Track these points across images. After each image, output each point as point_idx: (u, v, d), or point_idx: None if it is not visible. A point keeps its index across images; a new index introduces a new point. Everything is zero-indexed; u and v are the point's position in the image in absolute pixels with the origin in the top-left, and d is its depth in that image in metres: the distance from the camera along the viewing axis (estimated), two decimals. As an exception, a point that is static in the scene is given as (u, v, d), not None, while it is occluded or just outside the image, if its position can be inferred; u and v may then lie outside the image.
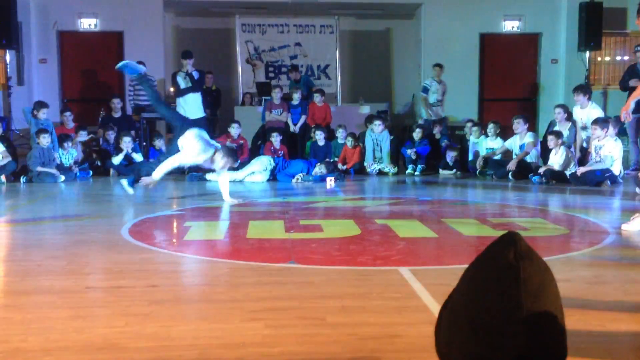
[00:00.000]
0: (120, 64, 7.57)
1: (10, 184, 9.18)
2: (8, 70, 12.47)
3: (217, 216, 6.35)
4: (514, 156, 9.73)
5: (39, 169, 9.29)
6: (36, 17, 12.69)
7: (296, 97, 11.44)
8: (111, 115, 11.38)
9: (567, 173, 8.90)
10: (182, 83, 10.18)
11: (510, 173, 9.48)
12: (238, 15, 13.65)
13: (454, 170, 10.38)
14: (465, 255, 4.29)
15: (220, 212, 6.55)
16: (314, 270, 3.84)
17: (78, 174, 9.79)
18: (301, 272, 3.82)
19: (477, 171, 9.98)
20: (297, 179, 9.33)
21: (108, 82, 13.28)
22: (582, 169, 8.64)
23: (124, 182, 7.32)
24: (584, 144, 9.42)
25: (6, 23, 11.66)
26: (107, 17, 12.89)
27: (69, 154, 9.99)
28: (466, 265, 1.51)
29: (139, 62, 11.90)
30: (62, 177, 9.37)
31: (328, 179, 8.95)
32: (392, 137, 10.99)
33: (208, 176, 9.30)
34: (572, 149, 9.48)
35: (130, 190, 7.25)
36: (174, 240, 5.05)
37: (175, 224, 5.87)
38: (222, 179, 7.03)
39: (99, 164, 10.59)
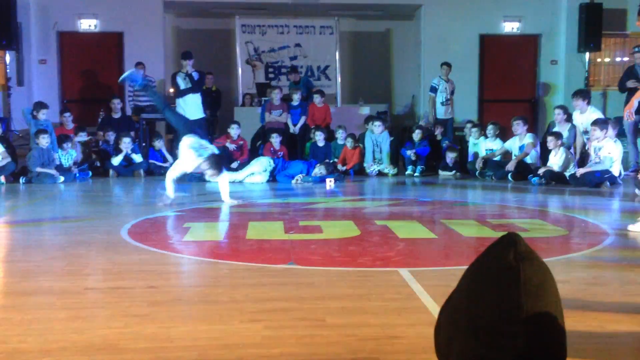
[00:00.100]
0: (122, 77, 7.56)
1: (10, 184, 9.17)
2: (8, 70, 12.46)
3: (217, 217, 6.34)
4: (514, 157, 9.73)
5: (39, 169, 9.28)
6: (36, 18, 12.68)
7: (296, 98, 11.43)
8: (111, 115, 11.37)
9: (567, 174, 8.89)
10: (182, 84, 10.19)
11: (509, 174, 9.48)
12: (238, 16, 13.65)
13: (454, 171, 10.38)
14: (465, 256, 4.30)
15: (219, 213, 6.55)
16: (313, 272, 3.84)
17: (77, 174, 9.78)
18: (301, 273, 3.82)
19: (477, 172, 9.98)
20: (297, 179, 9.33)
21: (108, 82, 13.27)
22: (582, 170, 8.64)
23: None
24: (586, 147, 9.40)
25: (6, 24, 11.66)
26: (107, 18, 12.89)
27: (69, 155, 9.98)
28: (466, 267, 1.51)
29: (138, 63, 12.00)
30: (62, 178, 9.36)
31: (328, 179, 8.94)
32: (392, 138, 10.99)
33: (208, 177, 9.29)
34: (572, 150, 9.48)
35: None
36: (174, 241, 5.05)
37: (174, 225, 5.86)
38: (221, 180, 7.02)
39: (99, 164, 10.59)
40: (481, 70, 13.58)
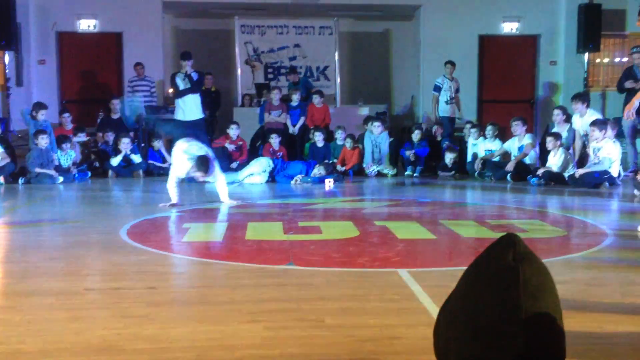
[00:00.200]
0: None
1: (9, 185, 9.16)
2: (7, 71, 12.45)
3: (216, 218, 6.34)
4: (513, 158, 9.74)
5: (38, 170, 9.28)
6: (35, 18, 12.67)
7: (295, 99, 11.44)
8: (110, 116, 11.37)
9: (566, 175, 8.90)
10: (181, 84, 10.18)
11: (508, 174, 9.48)
12: (237, 16, 13.65)
13: (453, 172, 10.38)
14: (464, 257, 4.29)
15: (218, 213, 6.55)
16: (312, 272, 3.84)
17: (76, 175, 9.77)
18: (300, 273, 3.82)
19: (476, 173, 9.98)
20: (296, 180, 9.33)
21: (107, 83, 13.27)
22: (581, 171, 8.64)
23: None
24: (586, 150, 9.38)
25: (5, 24, 11.66)
26: (106, 18, 12.88)
27: (68, 155, 9.98)
28: (465, 267, 1.51)
29: (137, 64, 12.00)
30: (61, 179, 9.36)
31: (327, 180, 8.94)
32: (391, 139, 10.98)
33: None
34: (571, 151, 9.48)
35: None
36: (173, 242, 5.05)
37: (174, 226, 5.86)
38: (218, 182, 7.02)
39: (98, 165, 10.58)
40: (480, 70, 13.58)
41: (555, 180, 8.92)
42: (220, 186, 7.02)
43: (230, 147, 10.47)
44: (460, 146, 10.86)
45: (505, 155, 9.99)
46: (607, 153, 8.51)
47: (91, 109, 12.51)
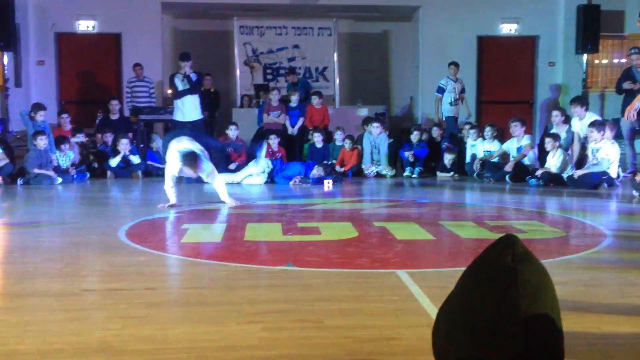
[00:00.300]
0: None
1: (7, 186, 9.16)
2: (6, 72, 12.44)
3: (215, 218, 6.34)
4: (511, 159, 9.74)
5: (36, 171, 9.27)
6: (34, 19, 12.67)
7: (294, 100, 11.44)
8: (108, 117, 11.36)
9: (564, 176, 8.90)
10: (180, 85, 10.18)
11: (507, 175, 9.48)
12: (236, 17, 13.65)
13: (452, 173, 10.38)
14: (463, 257, 4.30)
15: (217, 214, 6.55)
16: (311, 273, 3.84)
17: (75, 176, 9.77)
18: (299, 274, 3.82)
19: (475, 174, 9.98)
20: (295, 181, 9.33)
21: (106, 84, 13.27)
22: (579, 172, 8.65)
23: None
24: (585, 152, 9.38)
25: (4, 25, 11.65)
26: (105, 19, 12.88)
27: (66, 156, 9.97)
28: (464, 268, 1.51)
29: (136, 65, 11.99)
30: (59, 179, 9.35)
31: (326, 181, 8.94)
32: (391, 140, 10.98)
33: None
34: (570, 152, 9.49)
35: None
36: (172, 243, 5.05)
37: (172, 227, 5.86)
38: (216, 182, 7.02)
39: (96, 166, 10.57)
40: (479, 71, 13.59)
41: (554, 181, 8.93)
42: (219, 186, 7.02)
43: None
44: (459, 147, 10.86)
45: (504, 156, 9.99)
46: (606, 154, 8.52)
47: (90, 110, 12.51)
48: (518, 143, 9.88)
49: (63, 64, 13.11)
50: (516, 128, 9.94)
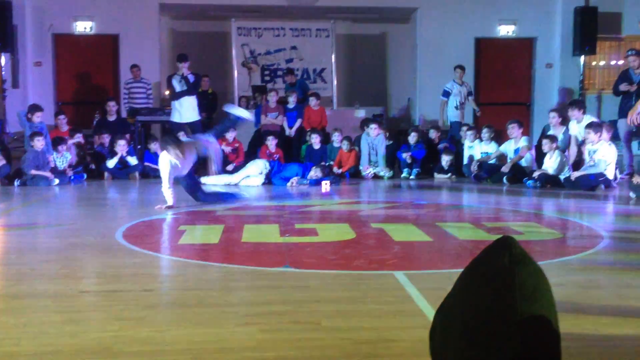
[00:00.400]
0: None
1: (4, 187, 9.15)
2: (3, 73, 12.44)
3: (212, 220, 6.33)
4: (509, 160, 9.75)
5: (33, 172, 9.26)
6: (32, 20, 12.65)
7: (291, 101, 11.44)
8: (106, 118, 11.35)
9: (562, 177, 8.92)
10: (178, 86, 10.18)
11: (504, 177, 9.49)
12: (234, 18, 13.66)
13: (449, 174, 10.39)
14: (461, 259, 4.30)
15: (215, 215, 6.54)
16: (309, 275, 3.84)
17: (72, 177, 9.76)
18: (296, 276, 3.82)
19: (472, 175, 9.99)
20: (292, 182, 9.33)
21: (103, 85, 13.26)
22: (576, 174, 8.66)
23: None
24: (582, 156, 9.38)
25: (1, 26, 11.65)
26: (102, 20, 12.87)
27: (64, 157, 9.96)
28: (461, 269, 1.51)
29: (133, 66, 11.99)
30: (57, 181, 9.34)
31: (323, 182, 8.94)
32: (390, 142, 10.98)
33: (203, 179, 9.28)
34: (567, 154, 9.50)
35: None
36: (169, 244, 5.04)
37: (169, 228, 5.86)
38: (209, 150, 7.02)
39: (94, 167, 10.56)
40: (476, 73, 13.61)
41: (551, 183, 8.94)
42: (212, 154, 7.01)
43: (227, 149, 10.46)
44: (456, 148, 10.87)
45: (502, 158, 10.00)
46: (603, 155, 8.53)
47: (87, 111, 12.50)
48: (515, 145, 9.89)
49: (60, 65, 13.11)
50: (513, 130, 9.94)
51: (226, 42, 13.82)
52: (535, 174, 9.08)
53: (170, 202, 6.75)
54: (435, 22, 13.34)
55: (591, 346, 2.64)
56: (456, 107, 11.77)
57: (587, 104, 12.47)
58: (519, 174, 9.46)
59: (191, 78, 10.22)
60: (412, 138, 10.80)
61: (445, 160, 10.45)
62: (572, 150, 9.49)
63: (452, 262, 4.29)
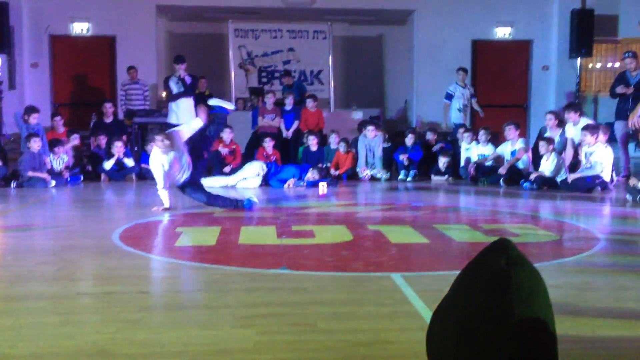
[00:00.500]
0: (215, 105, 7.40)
1: (1, 188, 9.13)
2: (0, 74, 12.41)
3: (209, 222, 6.32)
4: (506, 162, 9.77)
5: (30, 173, 9.24)
6: (28, 21, 12.65)
7: (288, 103, 11.45)
8: (102, 120, 11.34)
9: (558, 179, 8.93)
10: (175, 88, 10.18)
11: (501, 179, 9.51)
12: (231, 20, 13.66)
13: (446, 176, 10.40)
14: (457, 261, 4.30)
15: (211, 217, 6.53)
16: (305, 277, 3.84)
17: (69, 178, 9.74)
18: (293, 278, 3.81)
19: (469, 177, 10.00)
20: (289, 184, 9.32)
21: (100, 86, 13.25)
22: (573, 176, 8.68)
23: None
24: (578, 158, 9.39)
25: (-2, 27, 11.63)
26: (99, 22, 12.86)
27: (60, 159, 9.94)
28: (458, 271, 1.51)
29: (130, 67, 11.97)
30: (53, 182, 9.33)
31: (320, 184, 8.94)
32: (389, 144, 10.98)
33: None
34: (564, 156, 9.51)
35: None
36: (165, 246, 5.04)
37: (166, 230, 5.85)
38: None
39: (90, 169, 10.54)
40: (473, 75, 13.62)
41: (547, 185, 8.95)
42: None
43: (224, 151, 10.46)
44: (453, 150, 10.88)
45: (498, 160, 10.01)
46: (599, 157, 8.54)
47: (84, 113, 12.48)
48: (512, 147, 9.91)
49: (57, 67, 13.09)
50: (510, 132, 9.96)
51: (223, 44, 13.82)
52: (532, 176, 9.09)
53: (166, 204, 6.75)
54: (432, 25, 13.36)
55: (588, 348, 2.65)
56: (459, 110, 11.75)
57: (584, 105, 12.52)
58: (515, 176, 9.48)
59: (188, 80, 10.21)
60: (409, 140, 10.80)
61: (442, 162, 10.46)
62: (569, 153, 9.51)
63: (449, 264, 4.29)
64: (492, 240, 1.45)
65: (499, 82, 13.72)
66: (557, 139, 9.69)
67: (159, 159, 6.68)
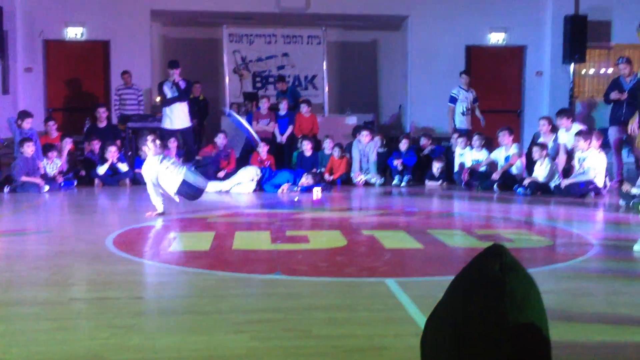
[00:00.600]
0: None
1: (-6, 193, 9.09)
2: (-7, 79, 12.38)
3: (203, 227, 6.31)
4: (499, 168, 9.79)
5: (23, 178, 9.21)
6: (22, 26, 12.61)
7: (282, 108, 11.45)
8: (96, 124, 11.31)
9: (552, 185, 8.95)
10: (169, 92, 10.17)
11: (495, 184, 9.52)
12: (225, 25, 13.66)
13: (440, 181, 10.41)
14: (451, 266, 4.30)
15: (206, 222, 6.52)
16: (300, 282, 3.84)
17: (62, 183, 9.71)
18: (287, 283, 3.81)
19: (463, 182, 10.02)
20: (283, 189, 9.32)
21: (93, 91, 13.22)
22: (566, 181, 8.70)
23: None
24: (572, 163, 9.41)
25: (-8, 31, 11.60)
26: (93, 26, 12.84)
27: (54, 164, 9.91)
28: (452, 277, 1.51)
29: (125, 72, 11.96)
30: (47, 187, 9.29)
31: (315, 189, 8.94)
32: (385, 149, 10.99)
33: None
34: (557, 161, 9.54)
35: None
36: (159, 251, 5.03)
37: (160, 235, 5.84)
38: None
39: (84, 173, 10.50)
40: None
41: (541, 190, 8.97)
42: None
43: (218, 155, 10.45)
44: (447, 156, 10.90)
45: (492, 165, 10.03)
46: (592, 163, 8.57)
47: (78, 118, 12.45)
48: (506, 152, 9.93)
49: (51, 71, 13.06)
50: (504, 137, 9.98)
51: (217, 49, 13.81)
52: (526, 182, 9.11)
53: (160, 209, 6.73)
54: (426, 30, 13.39)
55: (582, 354, 2.65)
56: (463, 113, 11.72)
57: (576, 111, 12.56)
58: (509, 182, 9.49)
59: (182, 84, 10.20)
60: (403, 145, 10.81)
61: (436, 167, 10.48)
62: (561, 158, 9.53)
63: (443, 269, 4.29)
64: (486, 245, 1.45)
65: (493, 87, 13.74)
66: (550, 144, 9.71)
67: (154, 168, 6.66)
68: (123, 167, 10.25)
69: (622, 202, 7.65)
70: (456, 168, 10.48)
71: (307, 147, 10.73)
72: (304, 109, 11.46)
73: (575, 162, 8.92)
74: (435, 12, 13.34)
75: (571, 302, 3.46)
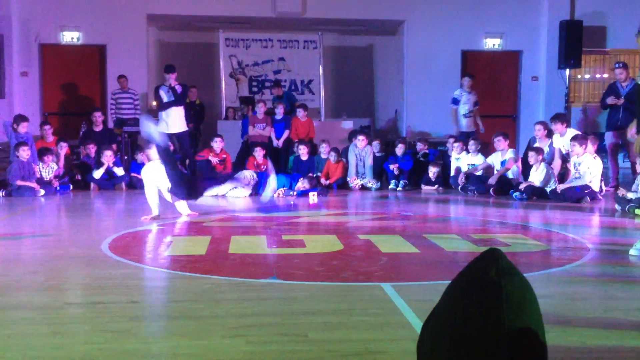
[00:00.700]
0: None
1: (-11, 197, 9.07)
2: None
3: (199, 231, 6.31)
4: (495, 172, 9.81)
5: (19, 182, 9.19)
6: (18, 30, 12.60)
7: (278, 112, 11.46)
8: (92, 128, 11.29)
9: (548, 189, 8.97)
10: (165, 97, 10.16)
11: (491, 189, 9.54)
12: (222, 29, 13.68)
13: (436, 186, 10.42)
14: (448, 270, 4.30)
15: (202, 226, 6.52)
16: (296, 286, 3.83)
17: (58, 187, 9.69)
18: (283, 287, 3.81)
19: (459, 187, 10.03)
20: (279, 193, 9.31)
21: (90, 95, 13.21)
22: (562, 186, 8.72)
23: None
24: (567, 165, 9.43)
25: (-13, 35, 11.59)
26: (89, 31, 12.83)
27: (49, 168, 9.90)
28: (448, 281, 1.51)
29: (121, 76, 11.94)
30: (42, 191, 9.28)
31: (311, 193, 8.94)
32: (382, 154, 11.00)
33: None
34: (553, 166, 9.56)
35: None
36: (155, 256, 5.02)
37: (156, 239, 5.83)
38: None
39: (80, 177, 10.49)
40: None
41: (537, 195, 8.99)
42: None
43: (214, 160, 10.45)
44: (443, 160, 10.92)
45: (488, 170, 10.05)
46: (587, 167, 8.59)
47: (73, 122, 12.44)
48: (502, 157, 9.95)
49: (47, 75, 13.04)
50: (500, 142, 10.00)
51: (214, 53, 13.82)
52: (522, 186, 9.13)
53: (155, 212, 6.72)
54: (422, 35, 13.42)
55: (577, 358, 2.65)
56: (465, 115, 11.74)
57: (572, 116, 12.59)
58: (505, 186, 9.51)
59: (178, 89, 10.20)
60: (400, 150, 10.83)
61: (432, 171, 10.49)
62: (556, 163, 9.56)
63: (439, 273, 4.29)
64: (482, 250, 1.46)
65: (489, 92, 13.76)
66: (546, 149, 9.73)
67: (155, 171, 6.65)
68: (119, 171, 10.24)
69: (617, 207, 7.66)
70: (452, 172, 10.49)
71: (303, 152, 10.73)
72: (300, 113, 11.47)
73: (571, 167, 8.94)
74: (431, 17, 13.37)
75: (567, 306, 3.46)
